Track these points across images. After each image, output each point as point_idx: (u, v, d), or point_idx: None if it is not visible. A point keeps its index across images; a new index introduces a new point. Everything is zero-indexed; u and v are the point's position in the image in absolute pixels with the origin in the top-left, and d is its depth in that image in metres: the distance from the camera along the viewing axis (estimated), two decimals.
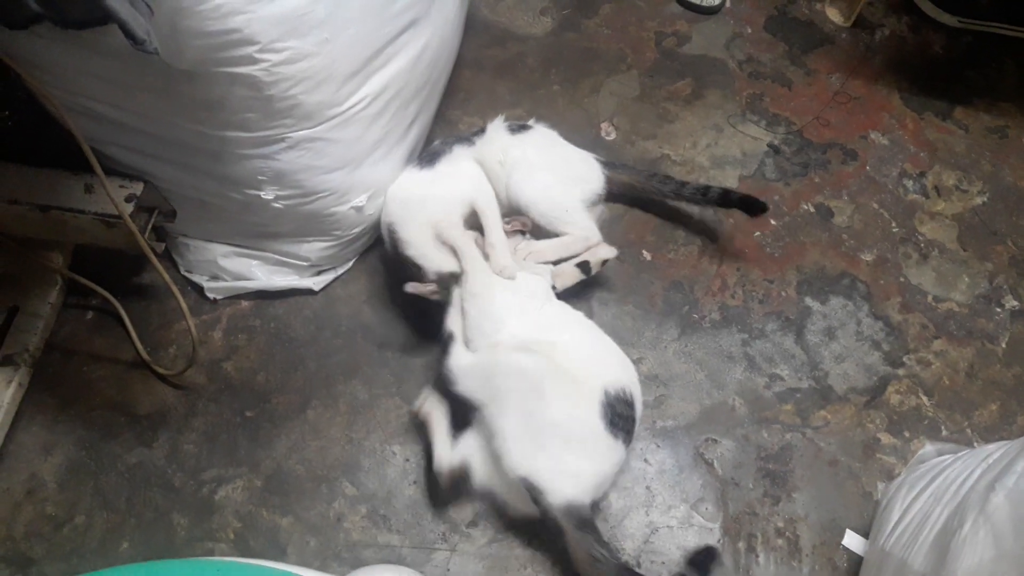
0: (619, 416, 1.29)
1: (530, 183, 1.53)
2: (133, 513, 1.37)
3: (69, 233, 1.39)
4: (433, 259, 1.44)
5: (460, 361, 1.36)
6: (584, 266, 1.53)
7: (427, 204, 1.49)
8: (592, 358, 1.36)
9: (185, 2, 1.10)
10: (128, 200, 1.36)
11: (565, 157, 1.64)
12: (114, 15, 0.95)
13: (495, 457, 1.29)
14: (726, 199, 1.62)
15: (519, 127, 1.61)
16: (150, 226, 1.42)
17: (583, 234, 1.53)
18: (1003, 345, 1.61)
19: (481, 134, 1.60)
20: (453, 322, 1.40)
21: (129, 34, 0.97)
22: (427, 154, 1.59)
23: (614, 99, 1.89)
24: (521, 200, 1.52)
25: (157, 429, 1.45)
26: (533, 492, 1.25)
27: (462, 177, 1.54)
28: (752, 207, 1.61)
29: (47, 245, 1.47)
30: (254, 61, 1.21)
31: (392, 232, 1.49)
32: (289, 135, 1.34)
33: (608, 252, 1.54)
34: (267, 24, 1.19)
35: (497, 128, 1.60)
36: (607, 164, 1.65)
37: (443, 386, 1.38)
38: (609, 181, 1.63)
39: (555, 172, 1.58)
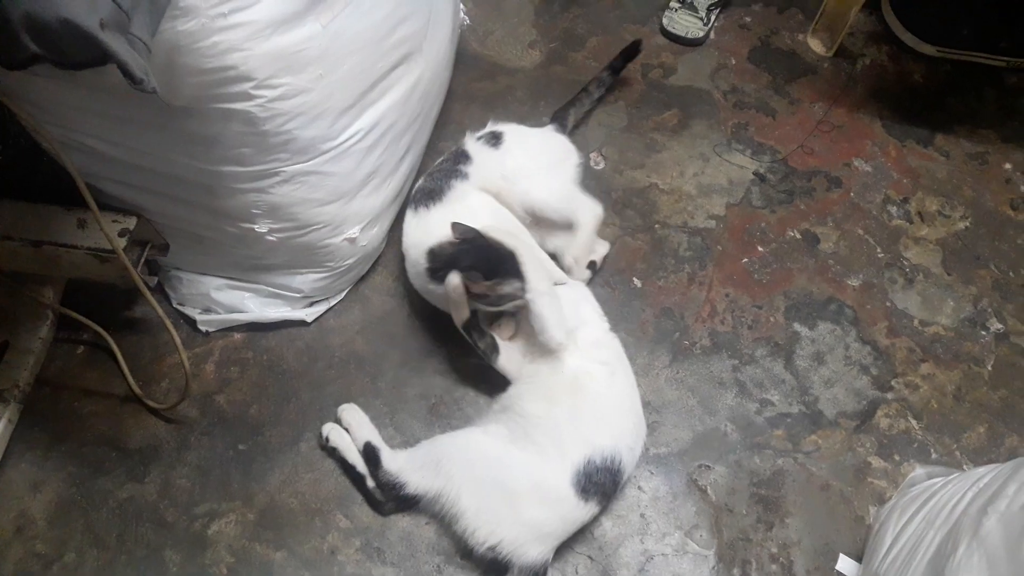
0: (595, 484, 1.33)
1: (536, 188, 1.58)
2: (124, 550, 1.36)
3: (62, 268, 1.39)
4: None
5: (395, 463, 1.38)
6: (592, 266, 1.65)
7: None
8: (598, 420, 1.38)
9: (182, 40, 1.11)
10: (121, 234, 1.36)
11: (543, 146, 1.71)
12: (113, 56, 0.96)
13: (458, 534, 1.33)
14: (615, 69, 1.92)
15: (493, 138, 1.63)
16: (143, 260, 1.42)
17: (592, 214, 1.63)
18: (989, 368, 1.64)
19: (464, 162, 1.59)
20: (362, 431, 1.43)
21: (128, 74, 0.98)
22: (424, 193, 1.57)
23: (602, 129, 1.91)
24: (536, 206, 1.57)
25: (149, 464, 1.44)
26: (500, 560, 1.30)
27: (480, 212, 1.53)
28: (631, 52, 1.93)
29: (38, 280, 1.47)
30: (250, 97, 1.22)
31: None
32: (284, 169, 1.35)
33: (605, 247, 1.70)
34: (263, 61, 1.21)
35: (479, 150, 1.61)
36: (557, 119, 1.80)
37: (391, 501, 1.40)
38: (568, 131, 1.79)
39: (547, 166, 1.64)
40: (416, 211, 1.56)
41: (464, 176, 1.57)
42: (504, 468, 1.33)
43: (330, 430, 1.45)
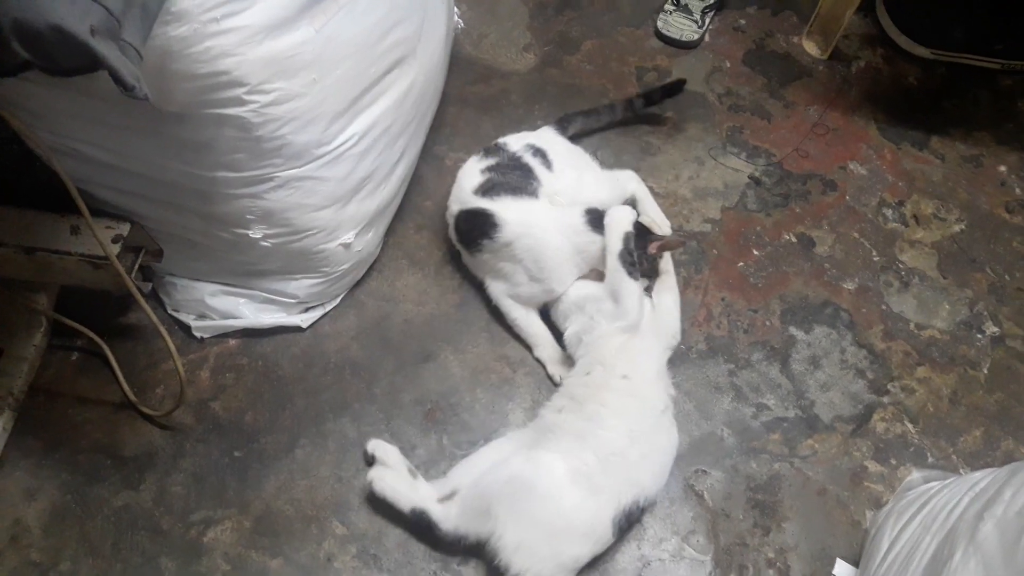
0: (630, 522, 1.34)
1: (587, 191, 1.64)
2: (120, 558, 1.35)
3: (55, 275, 1.38)
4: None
5: (450, 521, 1.34)
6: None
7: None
8: (655, 463, 1.39)
9: (175, 45, 1.11)
10: (115, 241, 1.36)
11: (569, 152, 1.73)
12: (104, 62, 0.95)
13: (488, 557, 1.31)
14: (650, 99, 1.89)
15: (542, 157, 1.65)
16: (137, 266, 1.41)
17: (634, 179, 1.76)
18: (985, 371, 1.64)
19: (531, 180, 1.60)
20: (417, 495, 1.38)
21: (119, 80, 0.97)
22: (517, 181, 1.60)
23: (597, 133, 1.91)
24: (592, 203, 1.59)
25: (144, 471, 1.43)
26: None
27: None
28: (674, 89, 1.91)
29: (32, 286, 1.46)
30: (243, 103, 1.22)
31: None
32: (278, 174, 1.35)
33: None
34: (256, 66, 1.20)
35: (538, 167, 1.63)
36: (560, 124, 1.80)
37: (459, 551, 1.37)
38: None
39: (582, 167, 1.71)
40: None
41: (537, 183, 1.60)
42: (555, 511, 1.29)
43: (373, 479, 1.39)
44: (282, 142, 1.30)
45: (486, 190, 1.57)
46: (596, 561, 1.37)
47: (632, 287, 1.44)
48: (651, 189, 1.81)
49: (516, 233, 1.52)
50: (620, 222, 1.50)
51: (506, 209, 1.54)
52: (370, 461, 1.44)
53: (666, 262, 1.59)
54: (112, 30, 0.99)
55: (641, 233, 1.52)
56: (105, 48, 0.97)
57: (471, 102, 1.95)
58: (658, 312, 1.52)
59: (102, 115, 1.25)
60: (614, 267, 1.46)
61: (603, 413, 1.36)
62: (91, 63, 0.96)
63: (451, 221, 1.63)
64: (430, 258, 1.71)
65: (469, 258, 1.63)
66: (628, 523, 1.34)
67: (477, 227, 1.55)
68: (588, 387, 1.41)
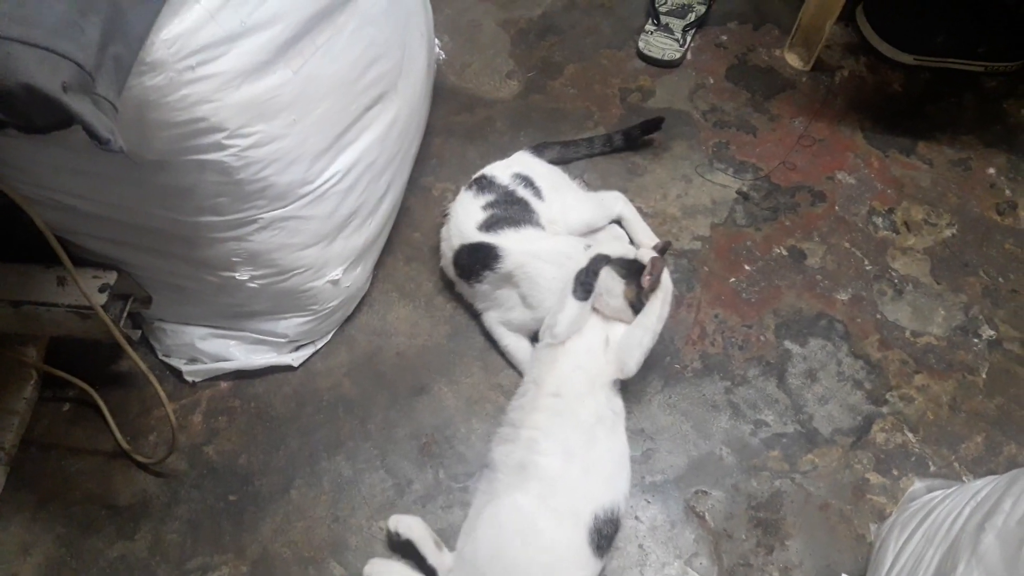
0: (604, 537, 1.32)
1: (573, 214, 1.67)
2: None
3: (43, 327, 1.38)
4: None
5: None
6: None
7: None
8: (603, 476, 1.37)
9: (151, 95, 1.11)
10: (102, 290, 1.36)
11: (552, 175, 1.74)
12: (77, 118, 0.95)
13: None
14: (630, 137, 1.91)
15: (531, 186, 1.66)
16: (125, 314, 1.41)
17: (620, 200, 1.76)
18: (983, 376, 1.62)
19: (529, 212, 1.62)
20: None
21: (94, 135, 0.97)
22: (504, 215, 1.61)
23: (580, 160, 1.91)
24: (580, 227, 1.67)
25: (139, 520, 1.42)
26: None
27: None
28: (652, 126, 1.90)
29: (21, 339, 1.46)
30: (223, 147, 1.22)
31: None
32: (262, 216, 1.35)
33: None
34: (234, 111, 1.20)
35: (532, 199, 1.65)
36: (537, 150, 1.81)
37: None
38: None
39: (564, 188, 1.72)
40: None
41: (536, 216, 1.62)
42: (534, 551, 1.29)
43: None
44: (265, 184, 1.31)
45: (490, 226, 1.58)
46: None
47: (572, 304, 1.44)
48: (639, 209, 1.81)
49: (517, 262, 1.53)
50: (602, 244, 1.50)
51: (508, 240, 1.55)
52: (395, 539, 1.40)
53: (654, 302, 1.50)
54: (85, 85, 1.00)
55: (632, 271, 1.49)
56: (78, 104, 0.97)
57: (456, 132, 1.96)
58: (622, 341, 1.48)
59: (83, 166, 1.26)
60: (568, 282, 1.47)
61: (536, 437, 1.36)
62: (65, 119, 0.96)
63: (449, 255, 1.63)
64: (420, 289, 1.71)
65: (467, 288, 1.63)
66: (605, 539, 1.31)
67: (480, 260, 1.56)
68: (523, 409, 1.41)
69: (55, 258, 1.22)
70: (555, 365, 1.44)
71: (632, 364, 1.45)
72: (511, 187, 1.64)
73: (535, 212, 1.62)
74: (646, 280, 1.45)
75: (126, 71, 1.07)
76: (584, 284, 1.46)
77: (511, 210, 1.60)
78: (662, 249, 1.55)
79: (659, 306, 1.46)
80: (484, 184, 1.65)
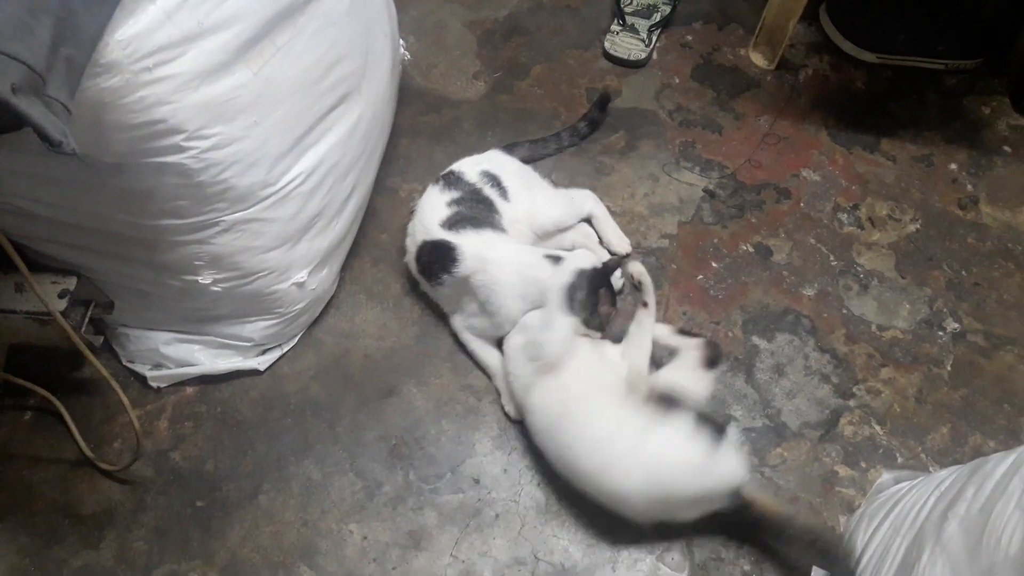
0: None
1: (542, 213, 1.66)
2: None
3: (2, 334, 1.36)
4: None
5: None
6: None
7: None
8: None
9: (107, 96, 1.10)
10: (62, 296, 1.34)
11: (521, 172, 1.74)
12: (27, 120, 0.94)
13: None
14: (592, 121, 1.94)
15: (498, 185, 1.65)
16: (87, 320, 1.39)
17: (591, 198, 1.77)
18: (948, 368, 1.64)
19: (492, 213, 1.61)
20: None
21: (45, 137, 0.96)
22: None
23: (551, 156, 1.91)
24: (550, 227, 1.67)
25: (103, 528, 1.40)
26: None
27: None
28: (603, 102, 1.95)
29: None
30: (182, 149, 1.21)
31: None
32: (223, 218, 1.34)
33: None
34: (192, 112, 1.19)
35: (496, 198, 1.63)
36: (509, 148, 1.82)
37: None
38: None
39: (534, 187, 1.72)
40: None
41: (496, 222, 1.60)
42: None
43: None
44: (225, 186, 1.30)
45: (452, 223, 1.56)
46: None
47: (563, 321, 1.43)
48: (607, 208, 1.81)
49: (472, 268, 1.51)
50: (579, 258, 1.49)
51: (468, 243, 1.53)
52: None
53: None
54: (35, 86, 0.98)
55: (596, 282, 1.46)
56: (28, 105, 0.96)
57: (423, 132, 1.95)
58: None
59: (40, 170, 1.24)
60: (553, 298, 1.44)
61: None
62: (14, 121, 0.95)
63: (412, 250, 1.62)
64: (388, 291, 1.70)
65: (430, 289, 1.62)
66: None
67: (438, 260, 1.54)
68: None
69: (12, 264, 1.20)
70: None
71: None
72: (478, 185, 1.63)
73: (498, 213, 1.61)
74: (604, 308, 1.46)
75: (79, 73, 1.05)
76: (572, 298, 1.43)
77: (475, 209, 1.59)
78: (616, 264, 1.55)
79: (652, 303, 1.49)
80: (451, 180, 1.64)
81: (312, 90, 1.41)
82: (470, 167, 1.67)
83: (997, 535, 0.99)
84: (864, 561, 1.28)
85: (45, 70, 0.99)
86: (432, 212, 1.59)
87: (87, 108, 1.09)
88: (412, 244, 1.62)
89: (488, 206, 1.61)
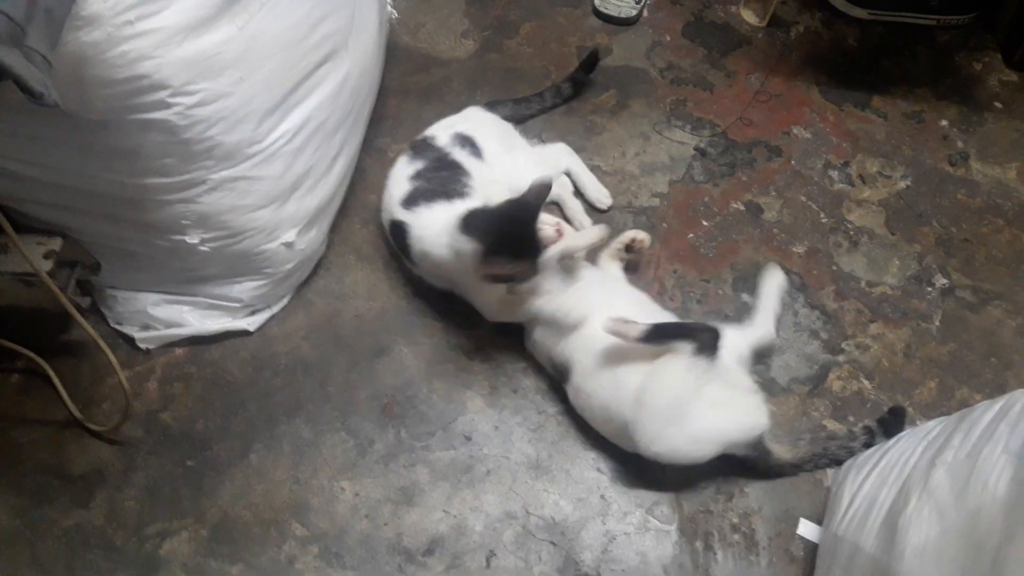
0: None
1: (519, 171, 1.58)
2: None
3: None
4: None
5: None
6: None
7: None
8: None
9: (89, 51, 1.08)
10: (47, 257, 1.33)
11: (499, 131, 1.70)
12: (7, 70, 0.93)
13: None
14: (577, 82, 1.91)
15: (471, 145, 1.60)
16: (73, 281, 1.38)
17: (566, 152, 1.77)
18: (936, 323, 1.65)
19: (458, 178, 1.53)
20: None
21: (25, 88, 0.95)
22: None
23: (541, 115, 1.90)
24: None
25: (94, 488, 1.41)
26: None
27: None
28: (591, 61, 1.91)
29: None
30: (167, 106, 1.20)
31: None
32: (210, 177, 1.33)
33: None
34: (177, 68, 1.18)
35: (468, 161, 1.57)
36: (491, 106, 1.77)
37: None
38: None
39: (512, 148, 1.69)
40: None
41: (468, 194, 1.51)
42: None
43: None
44: (212, 143, 1.28)
45: (409, 201, 1.51)
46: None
47: (466, 247, 1.38)
48: (598, 167, 1.81)
49: (421, 248, 1.48)
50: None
51: (418, 222, 1.49)
52: None
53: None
54: (15, 36, 0.97)
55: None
56: (8, 56, 0.94)
57: (412, 92, 1.93)
58: None
59: (23, 128, 1.22)
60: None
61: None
62: None
63: (387, 227, 1.59)
64: (378, 252, 1.69)
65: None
66: None
67: (400, 243, 1.53)
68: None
69: None
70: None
71: None
72: (446, 149, 1.58)
73: (468, 175, 1.54)
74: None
75: (59, 25, 1.04)
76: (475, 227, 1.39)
77: (436, 179, 1.53)
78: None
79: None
80: (420, 148, 1.59)
81: (298, 46, 1.39)
82: (443, 130, 1.63)
83: (984, 479, 1.00)
84: (851, 512, 1.30)
85: (24, 20, 0.97)
86: (395, 189, 1.55)
87: (69, 63, 1.07)
88: (385, 221, 1.59)
89: (455, 171, 1.55)
